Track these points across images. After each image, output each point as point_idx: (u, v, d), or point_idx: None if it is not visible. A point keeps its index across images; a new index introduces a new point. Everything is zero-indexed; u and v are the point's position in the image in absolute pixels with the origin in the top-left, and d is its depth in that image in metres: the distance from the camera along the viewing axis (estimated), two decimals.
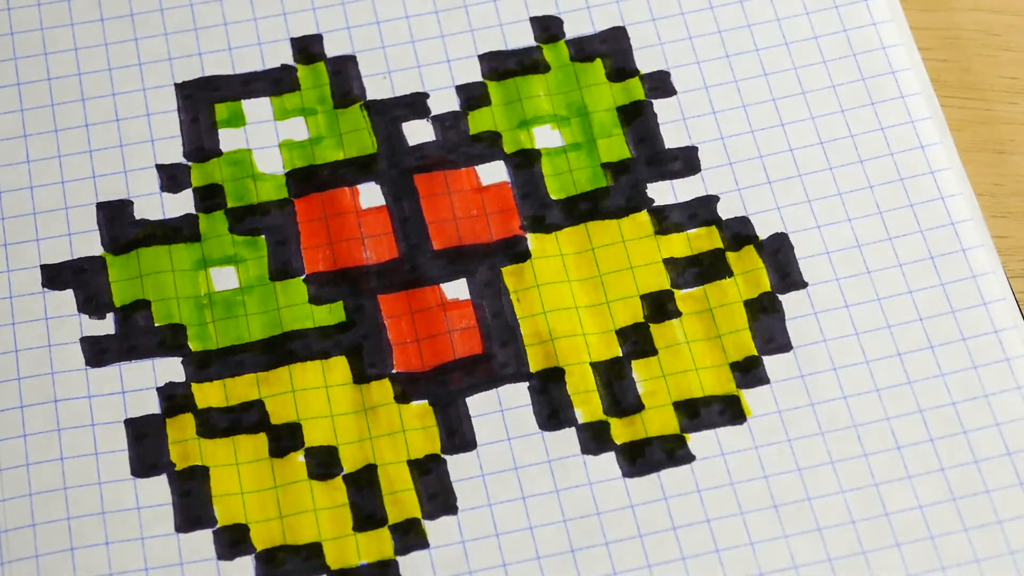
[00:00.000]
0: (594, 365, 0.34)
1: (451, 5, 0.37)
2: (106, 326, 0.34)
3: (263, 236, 0.35)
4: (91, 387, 0.33)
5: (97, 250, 0.35)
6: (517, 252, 0.35)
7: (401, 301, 0.34)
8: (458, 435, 0.33)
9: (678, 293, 0.34)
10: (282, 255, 0.35)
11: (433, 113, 0.36)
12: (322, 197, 0.35)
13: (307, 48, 0.37)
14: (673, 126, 0.36)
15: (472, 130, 0.36)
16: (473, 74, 0.36)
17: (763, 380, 0.33)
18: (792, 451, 0.33)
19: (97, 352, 0.34)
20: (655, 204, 0.35)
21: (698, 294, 0.34)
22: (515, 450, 0.33)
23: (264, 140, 0.36)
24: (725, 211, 0.35)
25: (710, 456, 0.33)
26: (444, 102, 0.36)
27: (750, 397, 0.33)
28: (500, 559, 0.32)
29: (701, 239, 0.35)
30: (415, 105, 0.36)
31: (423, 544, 0.32)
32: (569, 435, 0.33)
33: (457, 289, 0.34)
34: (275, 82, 0.36)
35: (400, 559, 0.32)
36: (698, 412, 0.33)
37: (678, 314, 0.34)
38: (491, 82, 0.36)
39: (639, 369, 0.33)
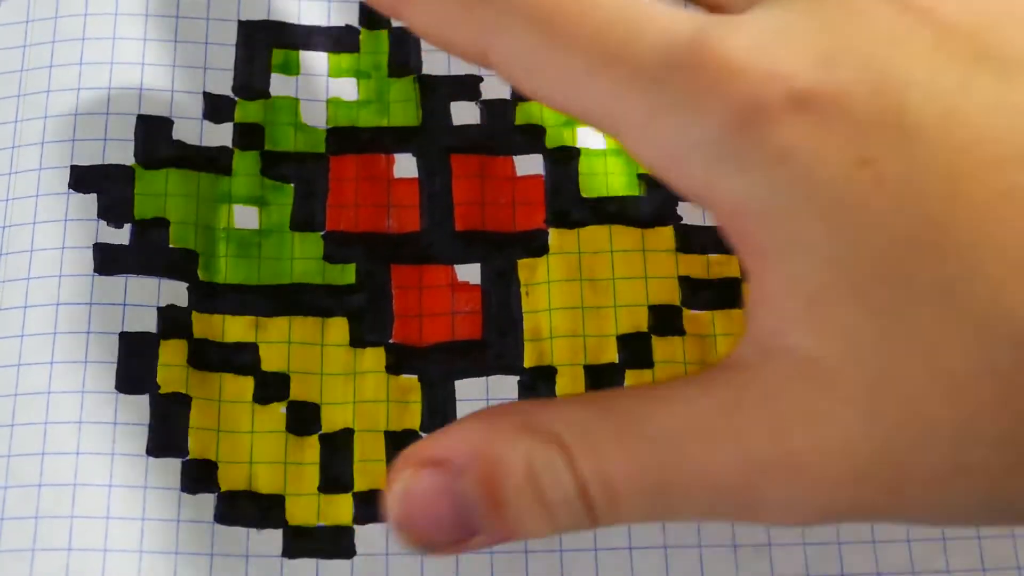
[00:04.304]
0: (588, 368, 0.33)
1: None
2: (122, 236, 0.34)
3: (292, 185, 0.35)
4: (94, 294, 0.33)
5: (129, 160, 0.35)
6: (536, 246, 0.35)
7: (412, 274, 0.34)
8: (439, 416, 0.33)
9: (687, 312, 0.34)
10: (307, 207, 0.35)
11: (483, 98, 0.36)
12: (357, 159, 0.35)
13: (373, 14, 0.37)
14: None
15: (517, 121, 0.36)
16: None
17: None
18: None
19: (108, 260, 0.34)
20: (683, 222, 0.35)
21: (705, 318, 0.34)
22: None
23: (313, 93, 0.36)
24: None
25: None
26: (496, 90, 0.36)
27: None
28: None
29: (721, 265, 0.34)
30: (467, 86, 0.36)
31: (383, 517, 0.32)
32: None
33: (469, 273, 0.34)
34: (336, 40, 0.37)
35: (357, 528, 0.32)
36: None
37: (682, 332, 0.33)
38: None
39: (632, 380, 0.33)
